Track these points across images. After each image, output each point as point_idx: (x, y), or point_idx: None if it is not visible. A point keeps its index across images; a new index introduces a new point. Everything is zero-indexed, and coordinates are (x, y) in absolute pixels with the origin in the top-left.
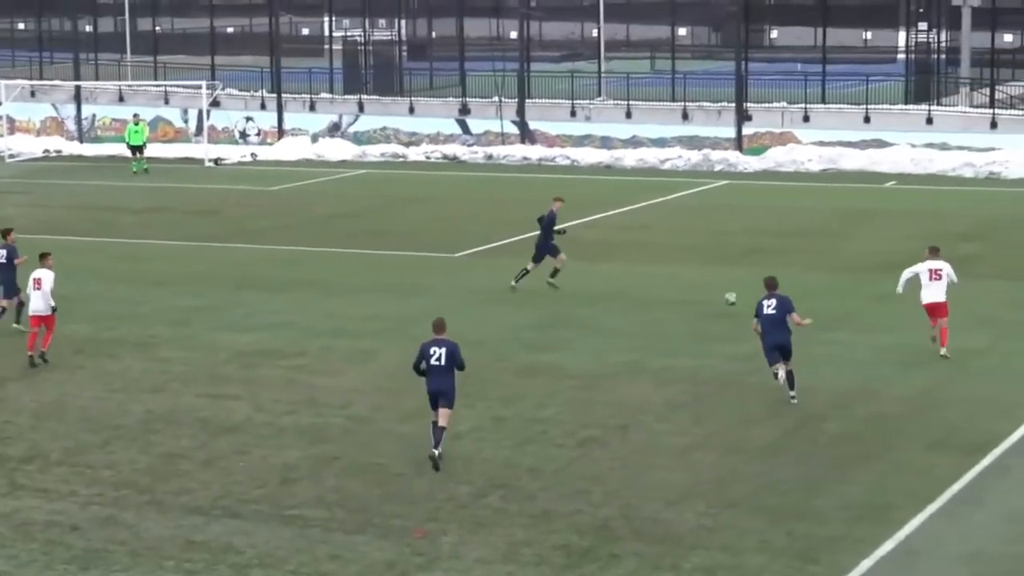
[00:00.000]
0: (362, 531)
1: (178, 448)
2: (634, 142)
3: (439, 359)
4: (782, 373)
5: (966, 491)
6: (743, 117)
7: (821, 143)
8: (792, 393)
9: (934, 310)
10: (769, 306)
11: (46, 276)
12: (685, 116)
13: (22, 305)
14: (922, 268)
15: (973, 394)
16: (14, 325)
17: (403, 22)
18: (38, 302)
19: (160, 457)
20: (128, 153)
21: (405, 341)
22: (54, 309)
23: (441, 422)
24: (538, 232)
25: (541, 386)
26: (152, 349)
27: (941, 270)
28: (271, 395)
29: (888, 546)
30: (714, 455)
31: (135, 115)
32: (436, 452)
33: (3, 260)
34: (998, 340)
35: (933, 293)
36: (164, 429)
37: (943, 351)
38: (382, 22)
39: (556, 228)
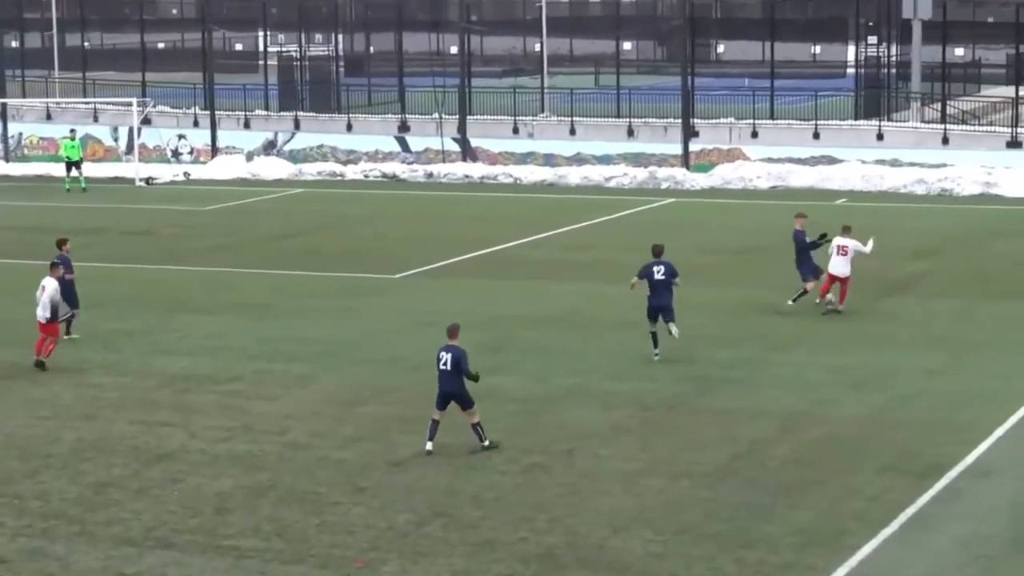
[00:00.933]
0: (300, 561)
1: (109, 477)
2: (578, 159)
3: (446, 364)
4: (675, 330)
5: (919, 515)
6: (690, 133)
7: (770, 159)
8: (675, 332)
9: (835, 280)
10: (659, 271)
11: (49, 284)
12: (631, 132)
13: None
14: (832, 244)
15: (926, 416)
16: (64, 336)
17: (340, 37)
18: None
19: (91, 486)
20: (63, 170)
21: (343, 365)
22: (48, 319)
23: (472, 421)
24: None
25: (484, 410)
26: (82, 375)
27: (847, 246)
28: (205, 421)
29: (840, 572)
30: (661, 481)
31: (71, 129)
32: (486, 443)
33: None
34: (951, 360)
35: (837, 265)
36: (95, 457)
37: (841, 307)
38: (318, 37)
39: (811, 241)
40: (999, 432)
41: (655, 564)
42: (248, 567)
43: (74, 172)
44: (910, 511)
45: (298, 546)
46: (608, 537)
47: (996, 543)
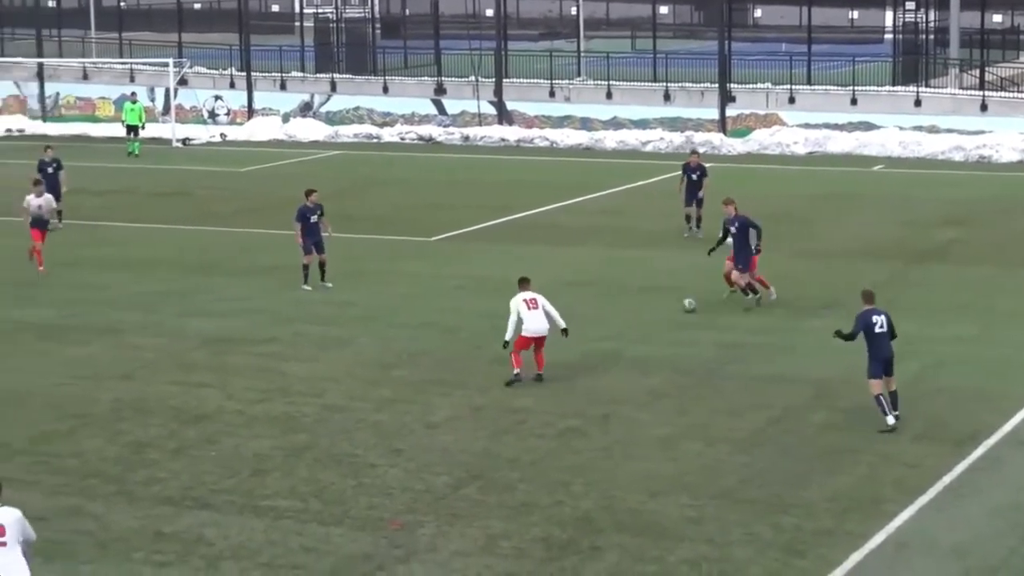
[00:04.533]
0: (337, 523)
1: (147, 437)
2: (615, 123)
3: (882, 327)
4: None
5: (957, 483)
6: (727, 98)
7: (807, 125)
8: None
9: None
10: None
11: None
12: (667, 97)
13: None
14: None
15: (961, 384)
16: (303, 287)
17: None
18: None
19: (129, 446)
20: (102, 130)
21: (379, 327)
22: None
23: (891, 388)
24: None
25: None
26: (119, 335)
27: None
28: (242, 383)
29: (878, 539)
30: (698, 445)
31: (132, 93)
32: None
33: (314, 220)
34: (984, 329)
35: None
36: (133, 417)
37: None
38: None
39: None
40: None
41: (691, 528)
42: (285, 528)
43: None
44: (947, 479)
45: (335, 507)
46: (645, 501)
47: None
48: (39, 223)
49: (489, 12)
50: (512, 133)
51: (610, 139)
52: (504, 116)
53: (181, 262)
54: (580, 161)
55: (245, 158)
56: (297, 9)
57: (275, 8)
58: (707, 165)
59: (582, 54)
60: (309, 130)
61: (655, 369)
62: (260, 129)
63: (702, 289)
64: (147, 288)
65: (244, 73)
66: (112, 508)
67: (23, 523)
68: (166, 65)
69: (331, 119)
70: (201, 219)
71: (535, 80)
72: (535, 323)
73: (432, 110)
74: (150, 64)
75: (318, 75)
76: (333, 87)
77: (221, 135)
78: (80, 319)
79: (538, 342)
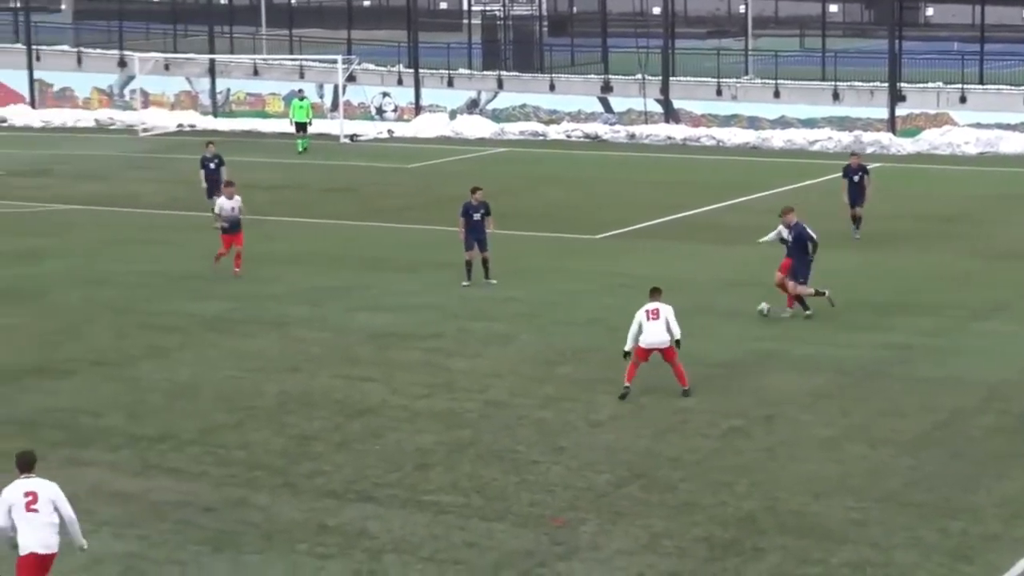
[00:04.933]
0: (499, 519)
1: (312, 430)
2: (782, 123)
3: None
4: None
5: None
6: (897, 98)
7: (979, 125)
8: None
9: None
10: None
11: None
12: (836, 96)
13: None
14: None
15: None
16: (463, 283)
17: None
18: None
19: (294, 439)
20: (270, 126)
21: (543, 324)
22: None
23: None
24: None
25: None
26: (286, 329)
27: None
28: (406, 377)
29: None
30: (862, 447)
31: (299, 90)
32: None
33: (477, 217)
34: None
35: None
36: (298, 410)
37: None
38: None
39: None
40: None
41: (856, 531)
42: (447, 523)
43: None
44: None
45: (497, 503)
46: (808, 503)
47: None
48: (232, 227)
49: (656, 10)
50: (678, 131)
51: (777, 138)
52: (671, 114)
53: (348, 257)
54: (746, 160)
55: (412, 154)
56: (465, 7)
57: (443, 5)
58: (875, 165)
59: (750, 52)
60: (475, 127)
61: (819, 370)
62: (427, 126)
63: (868, 289)
64: (314, 283)
65: (412, 70)
66: (277, 500)
67: (59, 499)
68: (335, 62)
69: (497, 116)
70: (368, 215)
71: (702, 78)
72: (653, 335)
73: (598, 108)
74: (319, 61)
75: (485, 72)
76: (500, 84)
77: (388, 131)
78: (248, 313)
79: (664, 355)
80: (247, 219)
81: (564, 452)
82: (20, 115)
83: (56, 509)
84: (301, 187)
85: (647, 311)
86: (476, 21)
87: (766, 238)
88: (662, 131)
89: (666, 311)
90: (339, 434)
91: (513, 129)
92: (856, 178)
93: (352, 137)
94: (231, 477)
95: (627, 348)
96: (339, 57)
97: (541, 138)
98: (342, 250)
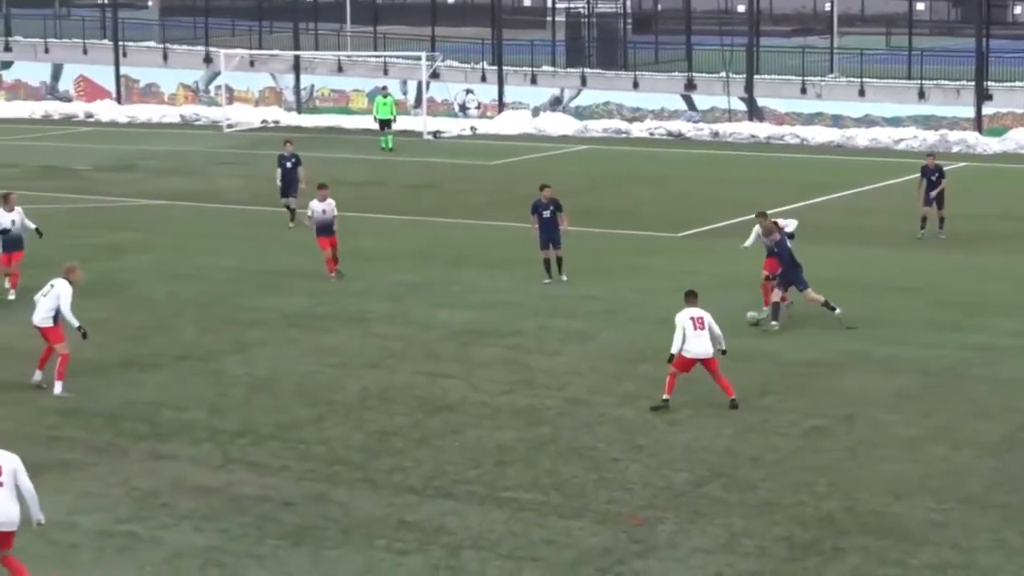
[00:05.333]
0: (578, 516)
1: (392, 425)
2: (867, 121)
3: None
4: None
5: None
6: (983, 96)
7: None
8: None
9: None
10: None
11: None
12: (921, 95)
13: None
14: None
15: None
16: (544, 281)
17: None
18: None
19: (374, 434)
20: (353, 123)
21: (623, 322)
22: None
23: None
24: None
25: (763, 373)
26: (367, 324)
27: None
28: (486, 374)
29: None
30: (944, 448)
31: (383, 88)
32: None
33: (547, 215)
34: None
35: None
36: (378, 406)
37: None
38: None
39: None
40: None
41: (936, 533)
42: (526, 519)
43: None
44: None
45: (576, 501)
46: (889, 503)
47: None
48: (325, 229)
49: (741, 8)
50: (762, 130)
51: (862, 137)
52: (754, 112)
53: (429, 254)
54: (830, 159)
55: (494, 151)
56: (549, 4)
57: (527, 3)
58: (961, 164)
59: (835, 50)
60: (558, 124)
61: (902, 370)
62: (510, 123)
63: (955, 290)
64: (395, 279)
65: (495, 67)
66: (356, 495)
67: (20, 471)
68: (419, 59)
69: (580, 114)
70: (450, 211)
71: (787, 76)
72: (699, 345)
73: (682, 106)
74: (403, 57)
75: (568, 70)
76: (583, 82)
77: (471, 128)
78: (330, 308)
79: (706, 365)
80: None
81: (643, 450)
82: (107, 111)
83: (16, 482)
84: (384, 184)
85: (692, 319)
86: (560, 18)
87: (746, 243)
88: (745, 129)
89: (709, 318)
90: (419, 430)
91: (596, 127)
92: (933, 178)
93: (435, 134)
94: (311, 472)
95: (673, 351)
96: (423, 54)
97: (624, 136)
98: (424, 247)
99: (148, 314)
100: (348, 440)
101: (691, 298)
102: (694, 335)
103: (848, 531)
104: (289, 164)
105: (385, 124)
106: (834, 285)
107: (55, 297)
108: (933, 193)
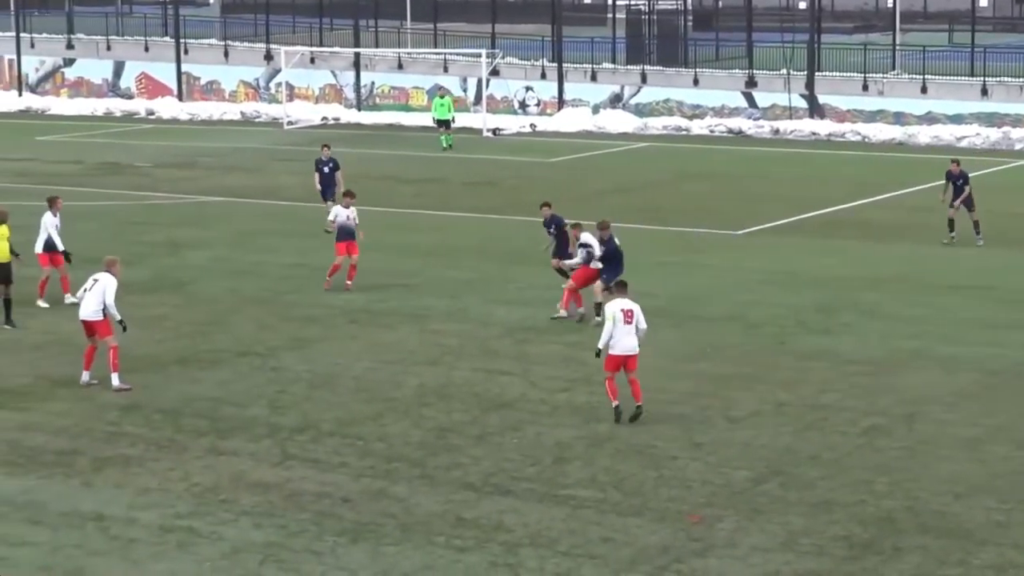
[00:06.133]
0: (637, 514)
1: (450, 422)
2: (929, 118)
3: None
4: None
5: None
6: None
7: None
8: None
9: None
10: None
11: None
12: (984, 92)
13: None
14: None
15: None
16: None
17: None
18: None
19: (432, 431)
20: (413, 120)
21: (682, 320)
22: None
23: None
24: None
25: (823, 371)
26: (425, 321)
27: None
28: (545, 372)
29: None
30: (1006, 448)
31: (440, 88)
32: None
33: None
34: None
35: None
36: (436, 403)
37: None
38: None
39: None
40: None
41: (998, 533)
42: (584, 517)
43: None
44: None
45: (634, 499)
46: (949, 503)
47: None
48: (347, 235)
49: (803, 4)
50: (823, 127)
51: (924, 134)
52: (815, 110)
53: (488, 250)
54: (892, 156)
55: (554, 149)
56: (609, 1)
57: (587, 0)
58: (1023, 162)
59: (897, 47)
60: (618, 122)
61: (962, 369)
62: (570, 120)
63: (1016, 289)
64: (454, 276)
65: (555, 64)
66: (415, 492)
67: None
68: (479, 56)
69: (640, 111)
70: (509, 209)
71: (848, 73)
72: (626, 339)
73: (742, 103)
74: (463, 55)
75: (629, 67)
76: (643, 79)
77: (531, 125)
78: (388, 305)
79: (628, 364)
80: (386, 212)
81: (702, 448)
82: (168, 108)
83: None
84: (443, 181)
85: (623, 311)
86: (620, 15)
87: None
88: (806, 126)
89: (638, 312)
90: (477, 427)
91: (656, 124)
92: (959, 183)
93: (495, 131)
94: (370, 468)
95: (600, 345)
96: (483, 51)
97: (684, 133)
98: (483, 243)
99: (207, 310)
100: (407, 437)
101: (621, 288)
102: (623, 330)
103: (907, 530)
104: (327, 169)
105: (443, 124)
106: (895, 283)
107: (101, 291)
108: (957, 202)
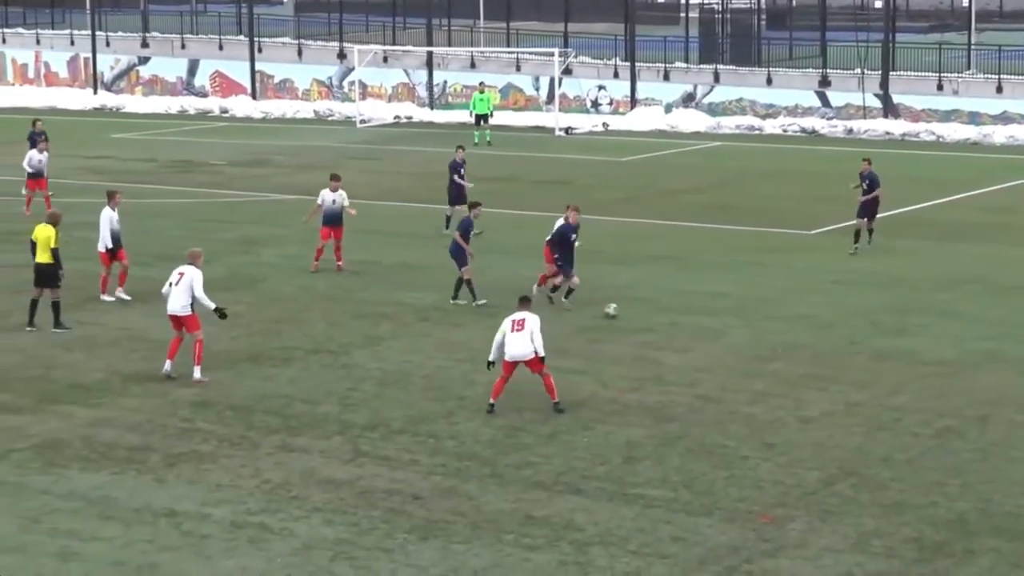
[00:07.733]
0: (707, 513)
1: (521, 421)
2: (1004, 118)
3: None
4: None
5: None
6: None
7: None
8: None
9: None
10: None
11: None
12: None
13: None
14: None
15: None
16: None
17: None
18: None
19: (503, 429)
20: (472, 122)
21: (754, 320)
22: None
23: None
24: None
25: (895, 372)
26: (496, 319)
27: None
28: (616, 371)
29: None
30: None
31: (480, 83)
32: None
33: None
34: None
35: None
36: (507, 401)
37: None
38: None
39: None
40: None
41: None
42: (654, 516)
43: (482, 124)
44: None
45: (705, 498)
46: (1023, 506)
47: None
48: (332, 220)
49: (878, 3)
50: (897, 127)
51: (999, 134)
52: (889, 109)
53: None
54: (967, 156)
55: (626, 147)
56: (683, 0)
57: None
58: None
59: (973, 47)
60: (691, 121)
61: None
62: (642, 119)
63: None
64: (524, 274)
65: (628, 63)
66: (485, 490)
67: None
68: (552, 55)
69: (713, 110)
70: (582, 208)
71: (923, 73)
72: (517, 346)
73: (816, 102)
74: (536, 53)
75: (702, 66)
76: (716, 78)
77: (603, 124)
78: (459, 303)
79: (529, 366)
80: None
81: (774, 448)
82: (242, 106)
83: None
84: (514, 179)
85: (512, 321)
86: (694, 14)
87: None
88: (880, 126)
89: (532, 322)
90: (547, 426)
91: (729, 123)
92: (866, 184)
93: (567, 130)
94: (440, 466)
95: (491, 358)
96: (556, 50)
97: (757, 132)
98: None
99: (279, 308)
100: (477, 435)
101: (523, 303)
102: (512, 337)
103: (979, 533)
104: (457, 175)
105: (482, 119)
106: (970, 283)
107: (188, 284)
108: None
